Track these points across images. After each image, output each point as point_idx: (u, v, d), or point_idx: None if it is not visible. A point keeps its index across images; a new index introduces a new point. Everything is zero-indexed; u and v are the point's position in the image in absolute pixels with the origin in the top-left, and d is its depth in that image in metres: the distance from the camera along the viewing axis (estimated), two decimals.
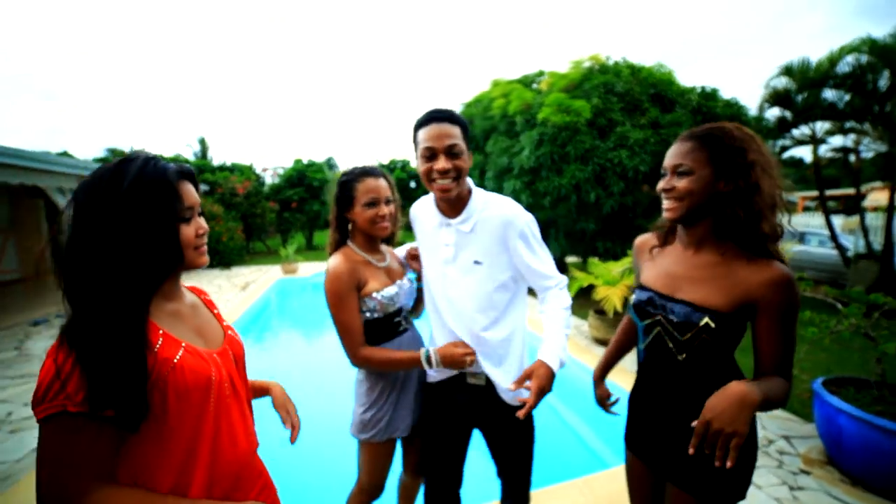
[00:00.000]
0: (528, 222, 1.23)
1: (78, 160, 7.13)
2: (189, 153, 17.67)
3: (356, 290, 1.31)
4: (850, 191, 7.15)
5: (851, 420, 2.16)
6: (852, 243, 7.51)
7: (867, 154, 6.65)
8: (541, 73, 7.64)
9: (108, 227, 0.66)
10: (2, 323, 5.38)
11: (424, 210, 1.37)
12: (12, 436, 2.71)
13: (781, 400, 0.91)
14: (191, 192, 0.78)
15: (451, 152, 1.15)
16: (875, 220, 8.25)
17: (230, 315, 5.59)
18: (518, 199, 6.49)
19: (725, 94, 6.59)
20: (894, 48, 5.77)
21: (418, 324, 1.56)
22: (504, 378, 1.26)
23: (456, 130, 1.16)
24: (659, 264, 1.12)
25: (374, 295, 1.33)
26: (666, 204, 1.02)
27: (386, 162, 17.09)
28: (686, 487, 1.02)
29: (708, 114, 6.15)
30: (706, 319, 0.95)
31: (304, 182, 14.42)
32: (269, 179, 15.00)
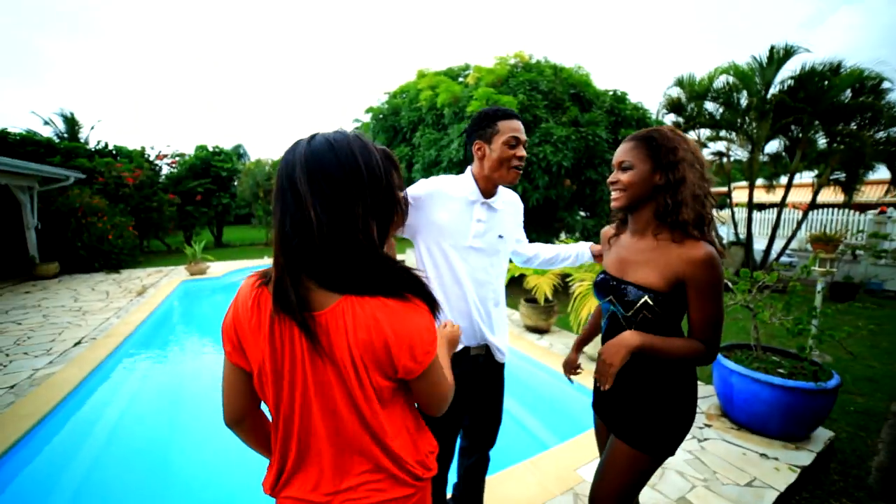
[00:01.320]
0: (522, 207, 1.61)
1: None
2: (47, 131, 13.32)
3: None
4: (723, 189, 8.42)
5: (740, 377, 2.59)
6: (724, 233, 8.90)
7: (736, 157, 7.91)
8: (467, 67, 7.71)
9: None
10: None
11: (454, 187, 1.40)
12: None
13: (672, 353, 1.08)
14: None
15: (525, 146, 1.37)
16: (739, 214, 9.87)
17: (125, 326, 4.75)
18: None
19: (633, 98, 7.31)
20: (750, 74, 6.94)
21: None
22: (501, 341, 1.48)
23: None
24: (614, 251, 1.30)
25: None
26: (613, 195, 1.20)
27: None
28: (625, 438, 1.21)
29: (619, 115, 6.74)
30: (645, 297, 1.12)
31: (209, 172, 12.93)
32: (167, 169, 12.97)
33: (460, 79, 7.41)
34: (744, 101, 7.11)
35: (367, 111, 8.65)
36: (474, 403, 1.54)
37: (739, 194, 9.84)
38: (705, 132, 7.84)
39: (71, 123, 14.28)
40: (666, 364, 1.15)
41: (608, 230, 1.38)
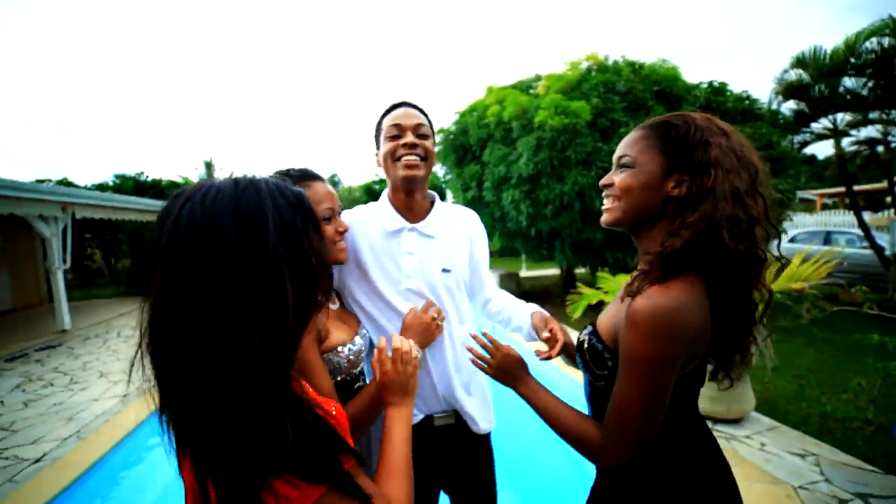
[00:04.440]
0: (483, 229, 1.27)
1: (56, 187, 6.96)
2: (195, 177, 17.53)
3: (317, 344, 0.95)
4: (881, 185, 6.59)
5: None
6: (888, 242, 6.90)
7: None
8: (538, 78, 7.35)
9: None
10: None
11: (371, 217, 1.13)
12: None
13: (549, 420, 0.80)
14: None
15: (419, 132, 1.08)
16: None
17: None
18: (518, 210, 6.16)
19: (737, 87, 6.20)
20: None
21: None
22: (477, 407, 1.15)
23: (423, 117, 1.12)
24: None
25: (341, 349, 0.99)
26: (604, 204, 0.84)
27: (376, 179, 16.96)
28: None
29: (718, 109, 5.75)
30: (586, 336, 0.83)
31: None
32: None
33: (531, 90, 7.08)
34: None
35: (438, 132, 8.75)
36: (453, 486, 1.20)
37: None
38: (843, 116, 6.28)
39: (209, 168, 17.65)
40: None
41: None
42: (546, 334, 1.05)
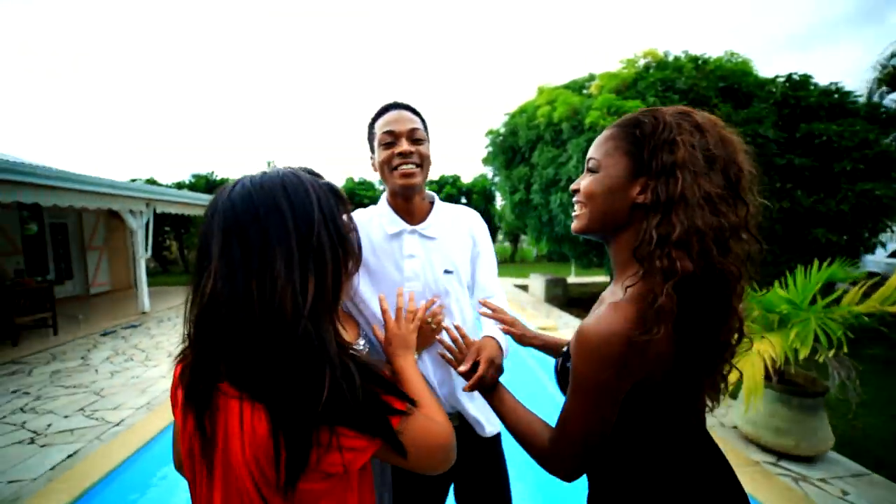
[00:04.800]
0: (485, 228, 1.23)
1: (142, 185, 7.84)
2: None
3: None
4: None
5: None
6: None
7: None
8: (591, 77, 7.12)
9: None
10: (81, 332, 5.90)
11: (372, 220, 1.13)
12: (41, 450, 2.77)
13: (509, 426, 0.80)
14: None
15: (414, 137, 1.06)
16: None
17: None
18: (566, 214, 6.00)
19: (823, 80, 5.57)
20: None
21: None
22: (481, 409, 1.12)
23: (417, 119, 1.09)
24: None
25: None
26: (573, 210, 0.79)
27: (435, 178, 17.20)
28: None
29: (797, 105, 5.23)
30: (559, 360, 0.80)
31: (353, 200, 14.89)
32: None
33: (584, 90, 6.87)
34: None
35: (487, 134, 8.74)
36: (463, 492, 1.16)
37: None
38: None
39: (269, 166, 19.19)
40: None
41: None
42: (463, 368, 0.89)
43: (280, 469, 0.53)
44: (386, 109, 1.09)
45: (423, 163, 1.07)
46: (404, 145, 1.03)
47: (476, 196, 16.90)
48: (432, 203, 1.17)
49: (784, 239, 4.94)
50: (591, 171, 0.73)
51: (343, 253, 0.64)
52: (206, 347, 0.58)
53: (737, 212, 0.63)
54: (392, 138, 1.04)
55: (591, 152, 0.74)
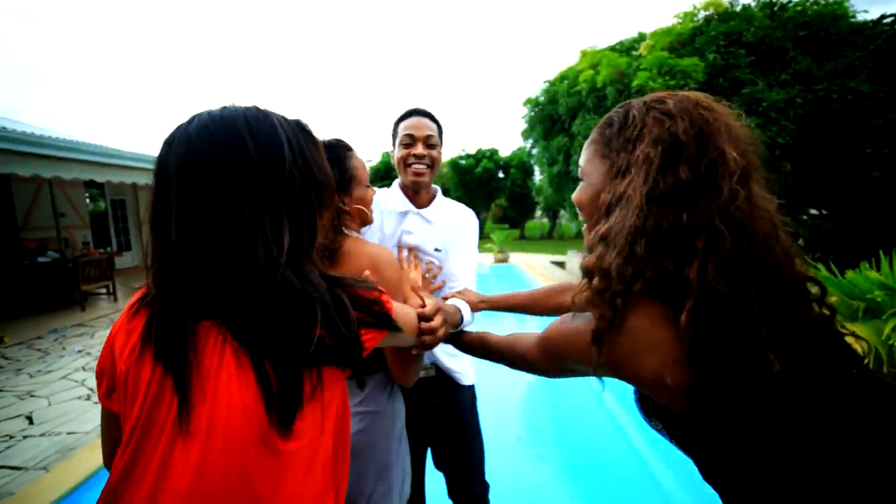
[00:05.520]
0: (474, 227, 1.41)
1: None
2: None
3: None
4: None
5: None
6: None
7: None
8: (641, 38, 6.46)
9: None
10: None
11: (385, 199, 1.36)
12: (95, 406, 3.01)
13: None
14: None
15: (428, 143, 1.28)
16: None
17: None
18: None
19: None
20: None
21: None
22: (457, 363, 1.33)
23: (434, 126, 1.30)
24: None
25: None
26: None
27: (472, 152, 16.82)
28: None
29: None
30: None
31: (391, 176, 14.92)
32: None
33: (632, 52, 6.26)
34: None
35: (525, 103, 8.30)
36: (435, 436, 1.37)
37: None
38: None
39: None
40: None
41: None
42: (425, 325, 0.95)
43: (272, 409, 0.51)
44: (409, 114, 1.31)
45: (433, 164, 1.29)
46: (419, 148, 1.26)
47: (514, 170, 16.30)
48: (434, 195, 1.39)
49: (871, 214, 4.33)
50: (579, 179, 0.71)
51: (318, 192, 0.60)
52: (175, 299, 0.54)
53: (708, 203, 0.53)
54: (410, 140, 1.27)
55: (580, 160, 0.71)
